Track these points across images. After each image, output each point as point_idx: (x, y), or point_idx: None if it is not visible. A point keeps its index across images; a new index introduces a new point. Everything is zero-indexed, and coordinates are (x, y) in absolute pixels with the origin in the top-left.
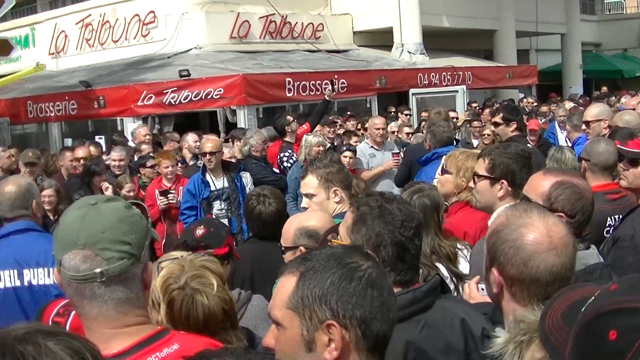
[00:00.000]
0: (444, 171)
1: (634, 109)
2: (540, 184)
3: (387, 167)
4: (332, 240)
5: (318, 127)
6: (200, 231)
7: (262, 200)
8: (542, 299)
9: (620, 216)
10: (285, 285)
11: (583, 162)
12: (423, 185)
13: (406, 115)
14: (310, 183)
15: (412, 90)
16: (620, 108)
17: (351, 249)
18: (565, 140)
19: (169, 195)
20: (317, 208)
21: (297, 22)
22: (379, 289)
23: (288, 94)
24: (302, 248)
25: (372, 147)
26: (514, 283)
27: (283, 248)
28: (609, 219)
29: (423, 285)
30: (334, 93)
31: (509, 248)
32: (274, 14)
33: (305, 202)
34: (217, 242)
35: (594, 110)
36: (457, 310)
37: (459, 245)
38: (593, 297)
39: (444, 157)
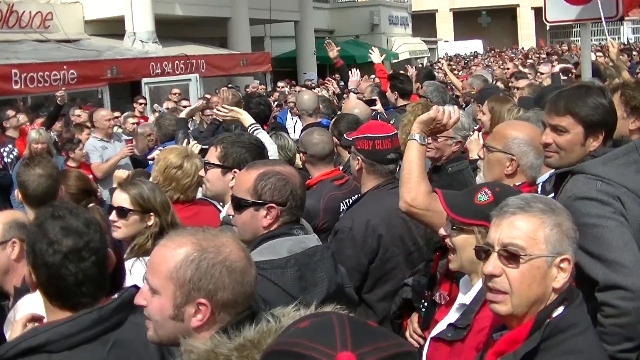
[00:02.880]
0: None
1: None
2: (245, 180)
3: (123, 155)
4: None
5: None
6: None
7: None
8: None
9: (351, 200)
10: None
11: (301, 154)
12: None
13: (141, 104)
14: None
15: (144, 80)
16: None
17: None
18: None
19: None
20: None
21: (24, 11)
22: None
23: (15, 86)
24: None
25: (101, 139)
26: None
27: None
28: (341, 204)
29: (111, 302)
30: (64, 95)
31: (220, 269)
32: (0, 2)
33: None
34: None
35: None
36: None
37: None
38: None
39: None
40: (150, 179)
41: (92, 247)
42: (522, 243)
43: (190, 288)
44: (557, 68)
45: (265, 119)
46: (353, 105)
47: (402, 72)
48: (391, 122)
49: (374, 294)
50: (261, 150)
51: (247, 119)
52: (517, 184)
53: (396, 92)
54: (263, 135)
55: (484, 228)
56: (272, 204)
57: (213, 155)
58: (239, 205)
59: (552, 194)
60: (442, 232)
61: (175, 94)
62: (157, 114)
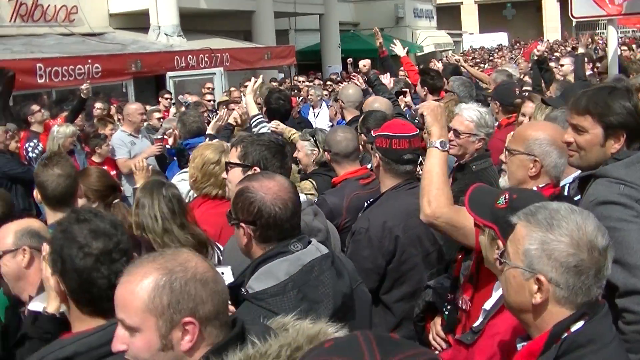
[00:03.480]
0: None
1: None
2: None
3: (151, 153)
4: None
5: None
6: None
7: None
8: None
9: None
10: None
11: (326, 153)
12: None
13: (167, 99)
14: None
15: (169, 74)
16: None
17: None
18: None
19: None
20: None
21: (49, 5)
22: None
23: (39, 80)
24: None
25: (130, 134)
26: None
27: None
28: (365, 203)
29: None
30: (89, 88)
31: (194, 285)
32: None
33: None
34: None
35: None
36: None
37: None
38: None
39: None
40: (187, 177)
41: (121, 248)
42: (509, 249)
43: (171, 313)
44: (581, 50)
45: (286, 113)
46: (372, 100)
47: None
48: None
49: (392, 295)
50: (281, 147)
51: (252, 109)
52: (540, 185)
53: (426, 88)
54: (264, 130)
55: (493, 231)
56: (242, 223)
57: (233, 155)
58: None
59: (578, 197)
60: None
61: (209, 88)
62: (181, 108)
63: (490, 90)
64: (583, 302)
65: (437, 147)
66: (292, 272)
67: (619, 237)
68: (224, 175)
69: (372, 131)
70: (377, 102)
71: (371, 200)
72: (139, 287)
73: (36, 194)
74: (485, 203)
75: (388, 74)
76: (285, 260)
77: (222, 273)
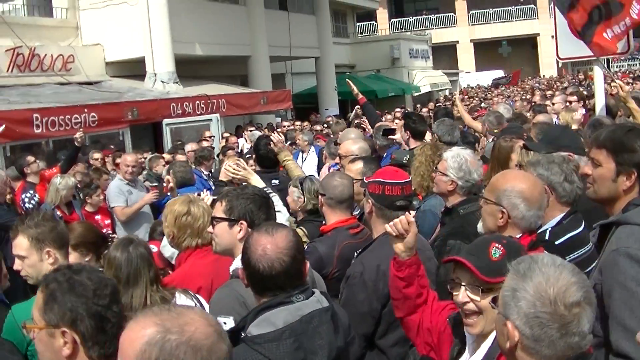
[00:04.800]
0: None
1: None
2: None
3: (147, 201)
4: (27, 325)
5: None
6: None
7: None
8: None
9: None
10: None
11: (320, 196)
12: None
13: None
14: (21, 244)
15: (165, 121)
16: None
17: None
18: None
19: None
20: (30, 271)
21: (46, 54)
22: None
23: (36, 131)
24: None
25: (127, 183)
26: None
27: None
28: (355, 253)
29: None
30: (83, 137)
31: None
32: (22, 46)
33: (17, 264)
34: None
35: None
36: None
37: (177, 292)
38: None
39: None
40: (165, 236)
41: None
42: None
43: None
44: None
45: (275, 158)
46: (346, 131)
47: (417, 110)
48: (404, 158)
49: (387, 340)
50: (266, 200)
51: (256, 181)
52: (517, 236)
53: (408, 132)
54: (275, 199)
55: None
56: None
57: (219, 210)
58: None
59: (589, 246)
60: (463, 299)
61: (209, 137)
62: (177, 155)
63: (496, 131)
64: (550, 355)
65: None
66: (290, 321)
67: (625, 297)
68: (210, 229)
69: (364, 178)
70: (353, 133)
71: (364, 247)
72: (135, 336)
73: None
74: (487, 264)
75: (366, 119)
76: (285, 309)
77: (225, 323)
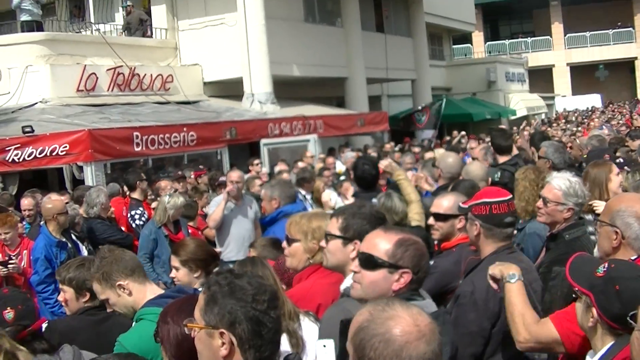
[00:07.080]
0: (290, 240)
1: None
2: (382, 242)
3: (225, 199)
4: (188, 324)
5: (167, 183)
6: (9, 315)
7: None
8: None
9: None
10: None
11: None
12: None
13: (257, 164)
14: (96, 290)
15: (263, 141)
16: (465, 156)
17: None
18: None
19: (8, 265)
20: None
21: (145, 74)
22: None
23: (136, 149)
24: None
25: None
26: None
27: None
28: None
29: None
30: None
31: (378, 342)
32: (122, 65)
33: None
34: (31, 318)
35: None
36: None
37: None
38: None
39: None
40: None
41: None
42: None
43: None
44: None
45: (372, 179)
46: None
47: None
48: (496, 175)
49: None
50: (382, 221)
51: None
52: (632, 258)
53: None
54: None
55: (588, 298)
56: (407, 270)
57: (334, 226)
58: (373, 263)
59: None
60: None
61: (310, 156)
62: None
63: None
64: None
65: (508, 282)
66: None
67: None
68: (322, 244)
69: (461, 203)
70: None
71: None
72: (356, 320)
73: None
74: (585, 271)
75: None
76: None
77: (324, 346)
